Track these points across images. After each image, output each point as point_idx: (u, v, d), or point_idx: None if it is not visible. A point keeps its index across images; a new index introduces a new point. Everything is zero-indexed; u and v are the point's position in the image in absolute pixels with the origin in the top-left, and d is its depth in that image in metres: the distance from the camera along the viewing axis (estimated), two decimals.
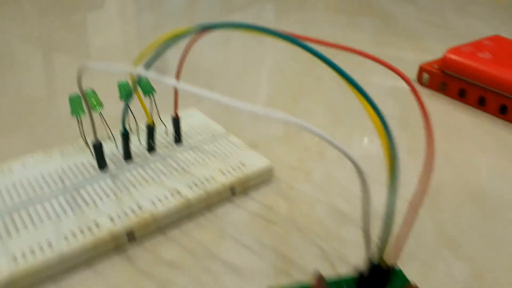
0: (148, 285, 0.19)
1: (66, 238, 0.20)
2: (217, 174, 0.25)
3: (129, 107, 0.24)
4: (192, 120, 0.30)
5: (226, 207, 0.25)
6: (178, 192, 0.23)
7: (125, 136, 0.25)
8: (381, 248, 0.17)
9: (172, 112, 0.27)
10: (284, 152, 0.30)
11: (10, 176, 0.24)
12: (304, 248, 0.22)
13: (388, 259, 0.17)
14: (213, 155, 0.27)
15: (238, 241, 0.22)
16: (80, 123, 0.23)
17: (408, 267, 0.21)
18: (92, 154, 0.25)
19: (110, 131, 0.26)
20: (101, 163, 0.24)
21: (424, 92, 0.40)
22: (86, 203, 0.22)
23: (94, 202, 0.22)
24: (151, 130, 0.25)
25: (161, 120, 0.27)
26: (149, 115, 0.25)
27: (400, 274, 0.20)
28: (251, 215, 0.24)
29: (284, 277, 0.20)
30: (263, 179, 0.26)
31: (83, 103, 0.23)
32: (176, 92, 0.26)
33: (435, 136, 0.35)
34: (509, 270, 0.22)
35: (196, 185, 0.24)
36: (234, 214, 0.24)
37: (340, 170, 0.28)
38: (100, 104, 0.24)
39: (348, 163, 0.16)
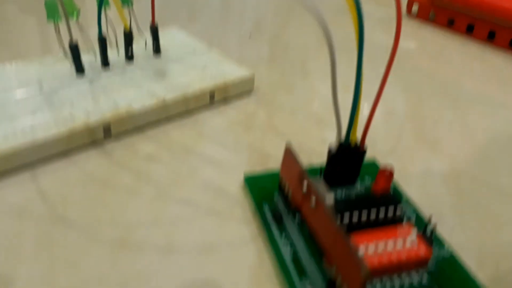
0: (124, 175, 0.20)
1: (40, 128, 0.20)
2: (195, 80, 0.25)
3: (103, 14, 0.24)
4: (174, 37, 0.30)
5: (206, 113, 0.24)
6: (155, 95, 0.23)
7: (102, 41, 0.24)
8: (350, 129, 0.17)
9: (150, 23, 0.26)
10: (268, 70, 0.30)
11: None
12: (282, 145, 0.22)
13: (357, 140, 0.18)
14: (193, 65, 0.26)
15: (216, 141, 0.22)
16: (57, 29, 0.23)
17: (386, 161, 0.21)
18: (69, 61, 0.25)
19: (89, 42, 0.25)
20: (78, 66, 0.24)
21: (413, 23, 0.39)
22: (63, 102, 0.22)
23: (71, 102, 0.22)
24: (128, 37, 0.25)
25: (139, 29, 0.27)
26: (125, 21, 0.25)
27: (373, 164, 0.21)
28: (230, 121, 0.24)
29: (261, 167, 0.20)
30: (244, 89, 0.26)
31: (60, 8, 0.22)
32: (153, 0, 0.26)
33: (424, 64, 0.35)
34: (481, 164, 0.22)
35: (173, 89, 0.24)
36: (213, 119, 0.24)
37: (324, 85, 0.28)
38: (76, 9, 0.23)
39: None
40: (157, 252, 0.16)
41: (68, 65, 0.25)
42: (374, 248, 0.15)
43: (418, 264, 0.15)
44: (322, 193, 0.15)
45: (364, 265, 0.12)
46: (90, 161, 0.20)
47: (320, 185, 0.15)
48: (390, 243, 0.15)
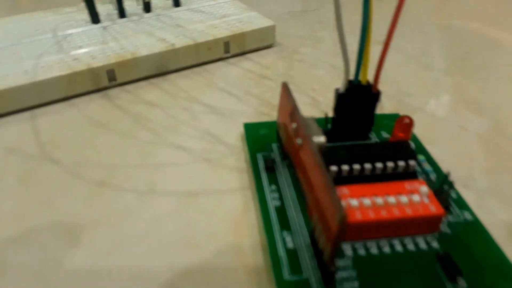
0: (122, 119, 0.19)
1: (43, 68, 0.19)
2: (210, 28, 0.23)
3: None
4: None
5: (219, 64, 0.23)
6: (164, 40, 0.22)
7: None
8: (359, 66, 0.15)
9: None
10: (297, 24, 0.27)
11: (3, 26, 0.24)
12: (295, 97, 0.20)
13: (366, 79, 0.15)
14: (211, 14, 0.25)
15: (224, 90, 0.21)
16: None
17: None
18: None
19: None
20: (94, 16, 0.23)
21: None
22: (72, 46, 0.21)
23: (80, 46, 0.21)
24: None
25: None
26: None
27: (395, 117, 0.18)
28: (245, 72, 0.22)
29: (265, 118, 0.19)
30: (264, 41, 0.24)
31: None
32: None
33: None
34: None
35: (185, 36, 0.22)
36: (225, 69, 0.22)
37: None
38: None
39: None
40: (137, 193, 0.15)
41: (87, 15, 0.25)
42: (371, 202, 0.13)
43: (426, 225, 0.13)
44: (310, 131, 0.13)
45: (341, 209, 0.10)
46: (90, 105, 0.20)
47: (311, 124, 0.13)
48: (393, 198, 0.13)
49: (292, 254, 0.12)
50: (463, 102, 0.20)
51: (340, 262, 0.12)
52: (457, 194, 0.14)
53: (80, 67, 0.20)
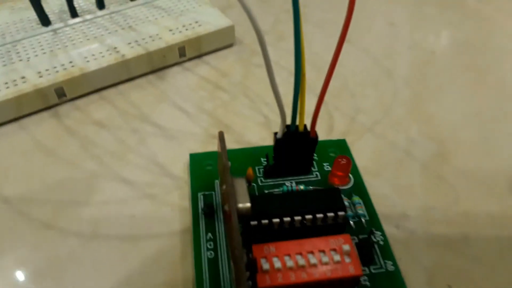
0: (71, 143, 0.19)
1: None
2: (164, 32, 0.22)
3: None
4: None
5: (174, 70, 0.22)
6: (115, 49, 0.21)
7: None
8: (294, 113, 0.15)
9: None
10: (261, 14, 0.26)
11: None
12: (247, 115, 0.20)
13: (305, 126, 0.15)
14: (166, 11, 0.24)
15: (176, 105, 0.20)
16: None
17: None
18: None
19: None
20: (42, 17, 0.22)
21: None
22: (20, 58, 0.21)
23: (28, 57, 0.21)
24: None
25: None
26: None
27: (342, 144, 0.18)
28: (200, 80, 0.22)
29: (214, 144, 0.19)
30: (221, 41, 0.23)
31: None
32: None
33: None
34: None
35: (138, 43, 0.22)
36: (180, 77, 0.22)
37: (322, 34, 0.25)
38: None
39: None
40: (81, 237, 0.15)
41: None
42: (293, 263, 0.13)
43: (346, 283, 0.13)
44: (237, 197, 0.13)
45: None
46: (40, 126, 0.19)
47: (240, 187, 0.13)
48: (314, 258, 0.13)
49: None
50: (417, 120, 0.20)
51: None
52: (384, 240, 0.15)
53: (28, 88, 0.19)
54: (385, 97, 0.21)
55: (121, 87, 0.21)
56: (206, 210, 0.15)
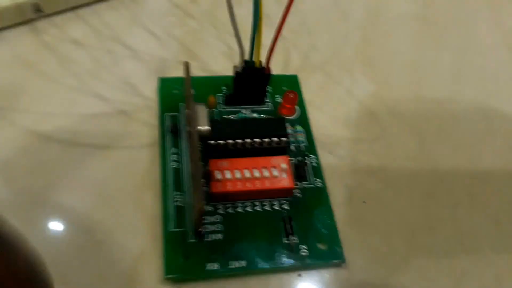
0: (49, 59, 0.20)
1: None
2: None
3: None
4: None
5: None
6: None
7: None
8: (252, 49, 0.17)
9: None
10: None
11: None
12: (213, 45, 0.22)
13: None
14: None
15: (147, 29, 0.22)
16: None
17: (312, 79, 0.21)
18: None
19: None
20: None
21: None
22: None
23: None
24: None
25: None
26: None
27: (294, 80, 0.21)
28: (171, 5, 0.23)
29: (181, 70, 0.21)
30: None
31: None
32: None
33: None
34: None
35: None
36: (152, 1, 0.23)
37: None
38: None
39: None
40: (62, 145, 0.18)
41: None
42: (241, 175, 0.16)
43: (281, 193, 0.17)
44: (198, 121, 0.16)
45: (200, 202, 0.14)
46: (20, 40, 0.21)
47: (201, 112, 0.16)
48: (258, 172, 0.17)
49: (180, 211, 0.16)
50: (362, 62, 0.23)
51: (211, 218, 0.16)
52: (317, 162, 0.18)
53: (6, 2, 0.20)
54: (338, 38, 0.23)
55: (96, 6, 0.23)
56: (172, 129, 0.18)
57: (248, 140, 0.17)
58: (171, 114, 0.19)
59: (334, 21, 0.24)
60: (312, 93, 0.21)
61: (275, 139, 0.17)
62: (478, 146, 0.21)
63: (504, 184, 0.20)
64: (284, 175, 0.17)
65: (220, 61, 0.22)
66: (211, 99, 0.18)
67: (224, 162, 0.17)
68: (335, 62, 0.22)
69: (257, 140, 0.17)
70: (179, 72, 0.20)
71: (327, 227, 0.17)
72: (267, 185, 0.17)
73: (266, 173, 0.17)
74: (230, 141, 0.17)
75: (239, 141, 0.17)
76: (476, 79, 0.23)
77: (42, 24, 0.22)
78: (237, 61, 0.18)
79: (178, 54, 0.21)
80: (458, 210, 0.19)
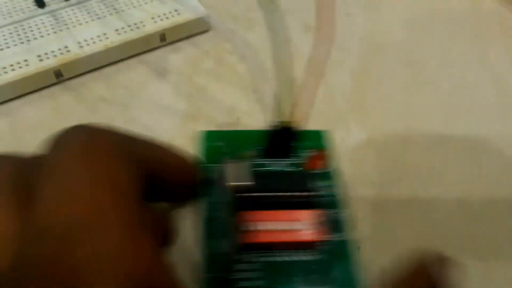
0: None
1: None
2: (148, 19, 0.25)
3: None
4: None
5: (156, 52, 0.25)
6: (105, 36, 0.24)
7: None
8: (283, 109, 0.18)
9: None
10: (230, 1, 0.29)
11: None
12: (216, 106, 0.23)
13: (294, 119, 0.19)
14: None
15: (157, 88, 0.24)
16: None
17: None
18: None
19: None
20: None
21: None
22: (22, 40, 0.23)
23: (29, 39, 0.23)
24: None
25: None
26: None
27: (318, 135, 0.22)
28: (184, 61, 0.25)
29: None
30: (198, 29, 0.26)
31: None
32: None
33: None
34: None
35: (124, 30, 0.24)
36: (167, 58, 0.25)
37: (295, 17, 0.27)
38: None
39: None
40: None
41: None
42: (266, 226, 0.18)
43: (305, 245, 0.18)
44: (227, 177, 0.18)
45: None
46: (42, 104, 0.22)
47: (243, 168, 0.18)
48: (283, 224, 0.18)
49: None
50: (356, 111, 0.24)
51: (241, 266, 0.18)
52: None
53: (31, 69, 0.22)
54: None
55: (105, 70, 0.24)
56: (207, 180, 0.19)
57: (278, 194, 0.19)
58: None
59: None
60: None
61: (302, 194, 0.19)
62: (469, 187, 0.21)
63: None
64: (310, 228, 0.18)
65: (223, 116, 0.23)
66: (244, 154, 0.20)
67: (253, 214, 0.18)
68: (329, 115, 0.24)
69: (286, 194, 0.19)
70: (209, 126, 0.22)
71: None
72: (292, 238, 0.18)
73: (289, 227, 0.18)
74: (261, 194, 0.18)
75: (269, 194, 0.19)
76: (465, 120, 0.24)
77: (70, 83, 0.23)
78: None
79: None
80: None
